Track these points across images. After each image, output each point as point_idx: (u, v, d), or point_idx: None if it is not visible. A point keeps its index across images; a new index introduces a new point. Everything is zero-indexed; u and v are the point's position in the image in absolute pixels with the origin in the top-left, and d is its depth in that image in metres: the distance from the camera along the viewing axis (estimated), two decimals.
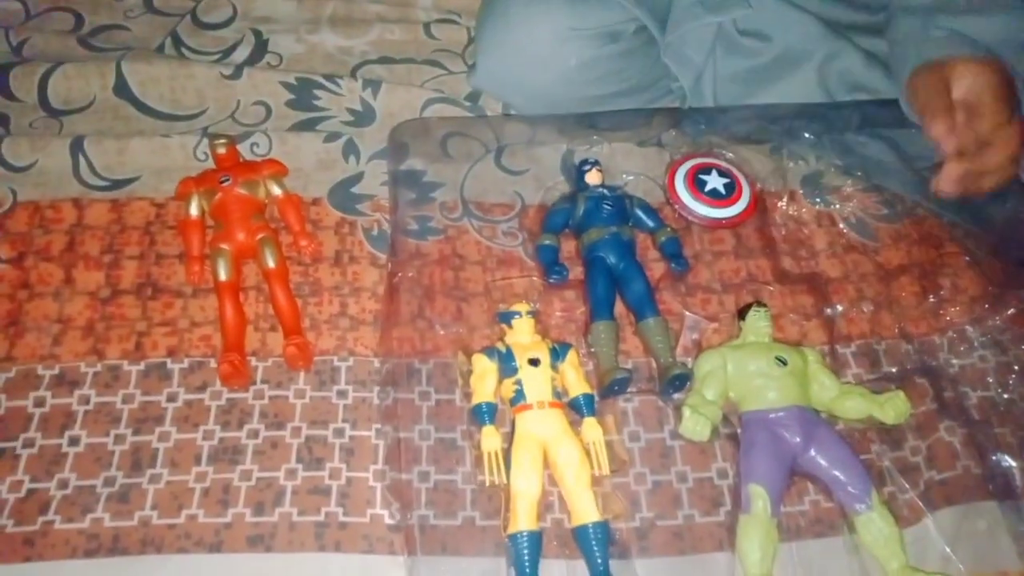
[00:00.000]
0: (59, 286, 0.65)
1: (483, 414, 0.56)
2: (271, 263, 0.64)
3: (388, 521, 0.55)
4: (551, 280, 0.65)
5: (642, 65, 0.76)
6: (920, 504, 0.56)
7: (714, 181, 0.70)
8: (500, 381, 0.57)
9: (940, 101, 0.60)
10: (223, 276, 0.64)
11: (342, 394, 0.61)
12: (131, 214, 0.70)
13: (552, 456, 0.55)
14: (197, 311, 0.65)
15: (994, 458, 0.58)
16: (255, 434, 0.59)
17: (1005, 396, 0.62)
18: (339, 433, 0.59)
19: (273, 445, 0.58)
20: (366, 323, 0.65)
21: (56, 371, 0.61)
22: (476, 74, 0.77)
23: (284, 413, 0.60)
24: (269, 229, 0.67)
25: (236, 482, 0.57)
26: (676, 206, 0.70)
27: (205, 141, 0.74)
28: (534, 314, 0.60)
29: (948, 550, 0.54)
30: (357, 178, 0.73)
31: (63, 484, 0.56)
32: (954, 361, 0.63)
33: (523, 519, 0.52)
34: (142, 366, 0.62)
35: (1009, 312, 0.63)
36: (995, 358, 0.63)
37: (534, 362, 0.57)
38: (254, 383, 0.61)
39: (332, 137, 0.75)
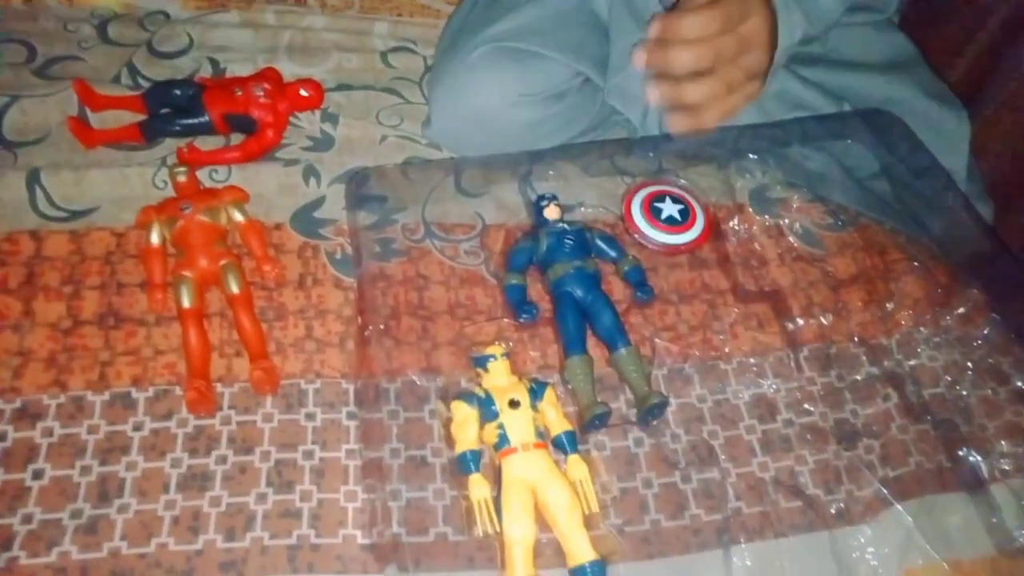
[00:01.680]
0: (18, 319, 0.64)
1: (468, 463, 0.56)
2: (235, 289, 0.65)
3: (361, 540, 0.56)
4: (522, 319, 0.66)
5: (589, 112, 0.79)
6: (875, 499, 0.59)
7: (669, 208, 0.72)
8: (482, 426, 0.57)
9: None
10: (186, 303, 0.64)
11: (310, 416, 0.62)
12: (91, 244, 0.69)
13: (542, 498, 0.54)
14: (161, 339, 0.65)
15: (961, 453, 0.61)
16: (223, 460, 0.59)
17: (960, 391, 0.65)
18: (308, 455, 0.60)
19: (242, 470, 0.59)
20: (332, 345, 0.65)
21: (17, 404, 0.60)
22: (431, 129, 0.79)
23: (252, 438, 0.60)
24: (232, 255, 0.67)
25: (206, 508, 0.57)
26: (635, 235, 0.72)
27: (164, 170, 0.74)
28: (509, 355, 0.61)
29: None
30: (319, 202, 0.74)
31: (27, 519, 0.55)
32: (907, 363, 0.66)
33: (520, 567, 0.52)
34: (106, 396, 0.61)
35: (959, 311, 0.67)
36: (944, 357, 0.66)
37: (514, 404, 0.56)
38: (221, 409, 0.61)
39: (292, 162, 0.76)
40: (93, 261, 0.68)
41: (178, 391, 0.62)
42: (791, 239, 0.74)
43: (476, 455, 0.56)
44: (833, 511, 0.58)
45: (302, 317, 0.67)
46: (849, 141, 0.68)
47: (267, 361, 0.63)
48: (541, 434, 0.57)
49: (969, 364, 0.65)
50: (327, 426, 0.61)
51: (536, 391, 0.58)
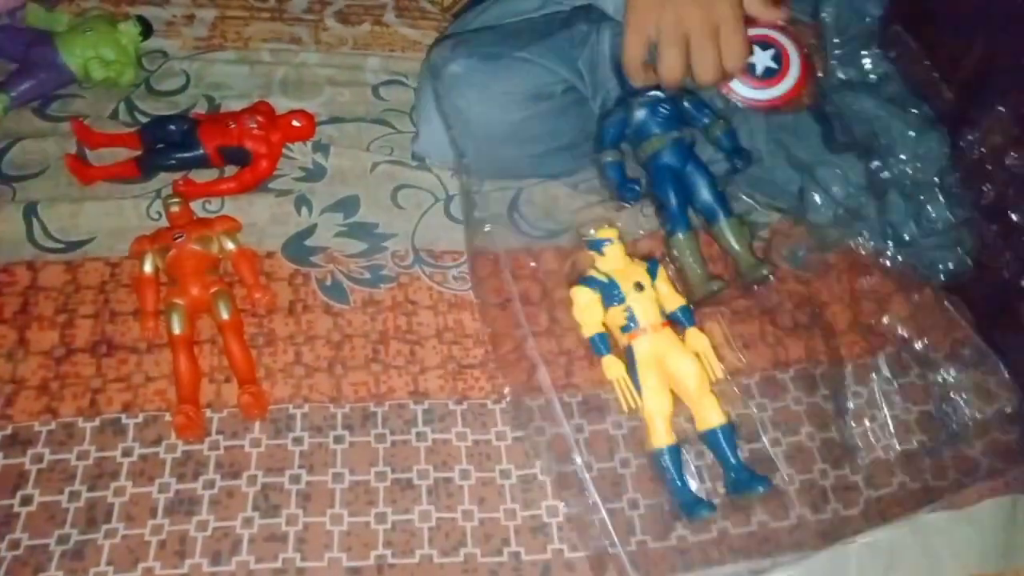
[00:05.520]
0: (12, 347, 0.65)
1: (599, 345, 0.59)
2: (225, 315, 0.65)
3: (347, 563, 0.56)
4: (627, 200, 0.65)
5: (575, 122, 0.79)
6: (863, 517, 0.59)
7: (761, 58, 0.63)
8: (606, 310, 0.59)
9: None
10: (177, 330, 0.64)
11: (298, 441, 0.62)
12: (85, 274, 0.70)
13: (670, 372, 0.58)
14: (152, 366, 0.65)
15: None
16: (211, 484, 0.59)
17: (946, 408, 0.65)
18: (295, 479, 0.60)
19: (229, 494, 0.59)
20: (321, 370, 0.66)
21: (8, 431, 0.61)
22: (419, 142, 0.81)
23: (240, 462, 0.60)
24: (223, 283, 0.68)
25: (192, 533, 0.57)
26: (726, 94, 0.64)
27: (159, 201, 0.75)
28: (623, 238, 0.61)
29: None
30: (310, 231, 0.75)
31: (14, 545, 0.55)
32: (892, 381, 0.67)
33: (662, 435, 0.57)
34: (97, 422, 0.62)
35: (941, 329, 0.67)
36: (930, 375, 0.67)
37: (639, 287, 0.59)
38: (209, 434, 0.62)
39: (284, 192, 0.78)
40: (87, 290, 0.69)
41: (167, 417, 0.62)
42: (777, 261, 0.74)
43: (605, 338, 0.59)
44: (820, 530, 0.58)
45: (291, 343, 0.68)
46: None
47: (255, 386, 0.63)
48: (664, 314, 0.60)
49: (952, 381, 0.65)
50: (314, 450, 0.61)
51: (651, 270, 0.60)
